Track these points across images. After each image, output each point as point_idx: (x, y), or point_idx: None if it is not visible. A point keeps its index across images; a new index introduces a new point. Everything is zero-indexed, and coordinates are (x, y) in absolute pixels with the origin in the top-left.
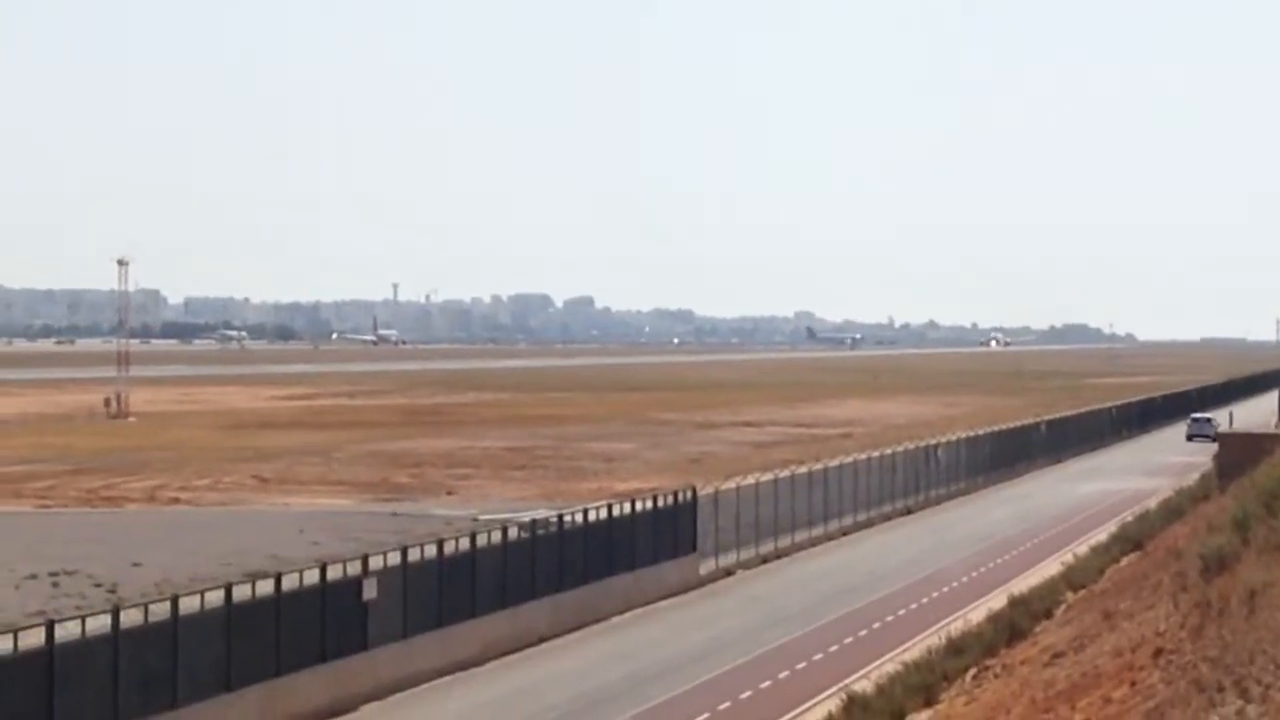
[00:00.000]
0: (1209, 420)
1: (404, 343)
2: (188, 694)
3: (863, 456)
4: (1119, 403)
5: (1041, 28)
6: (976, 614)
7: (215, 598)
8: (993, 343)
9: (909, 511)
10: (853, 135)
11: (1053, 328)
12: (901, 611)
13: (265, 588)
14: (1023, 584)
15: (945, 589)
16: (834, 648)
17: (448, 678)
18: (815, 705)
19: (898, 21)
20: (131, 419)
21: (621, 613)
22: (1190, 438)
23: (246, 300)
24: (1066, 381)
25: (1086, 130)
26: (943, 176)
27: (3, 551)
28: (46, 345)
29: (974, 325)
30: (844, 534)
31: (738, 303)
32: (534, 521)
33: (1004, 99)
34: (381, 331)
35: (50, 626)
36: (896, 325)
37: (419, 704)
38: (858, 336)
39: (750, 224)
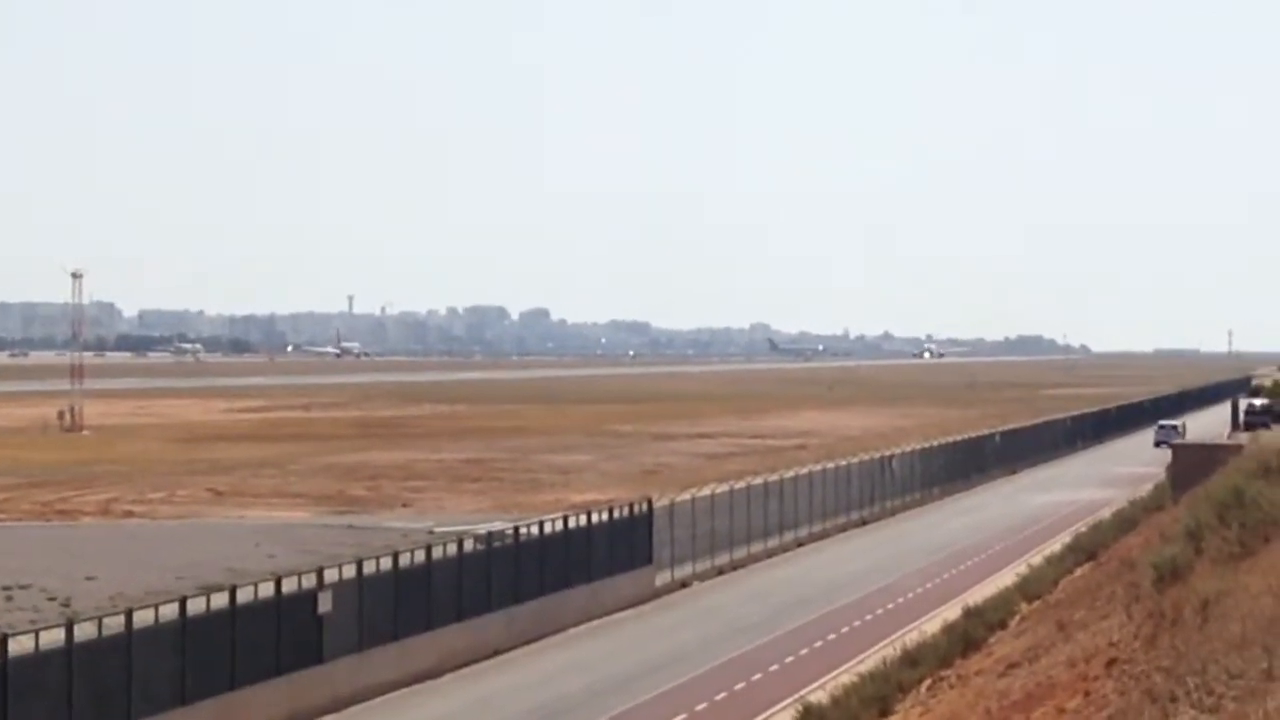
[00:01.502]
0: (1175, 427)
1: (367, 355)
2: (142, 708)
3: (818, 468)
4: (1073, 414)
5: (1001, 44)
6: (932, 625)
7: (170, 611)
8: (926, 354)
9: (864, 523)
10: (810, 147)
11: (1007, 339)
12: (857, 622)
13: (220, 601)
14: (977, 595)
15: (900, 600)
16: (790, 659)
17: (404, 690)
18: (771, 716)
19: (861, 35)
20: (85, 432)
21: (578, 625)
22: (1158, 444)
23: (201, 313)
24: (1021, 393)
25: (1043, 146)
26: (897, 190)
27: None
28: (0, 358)
29: (928, 337)
30: (799, 545)
31: (693, 315)
32: (490, 534)
33: (964, 115)
34: (345, 344)
35: (3, 640)
36: (851, 337)
37: (375, 717)
38: (820, 349)
39: (706, 236)
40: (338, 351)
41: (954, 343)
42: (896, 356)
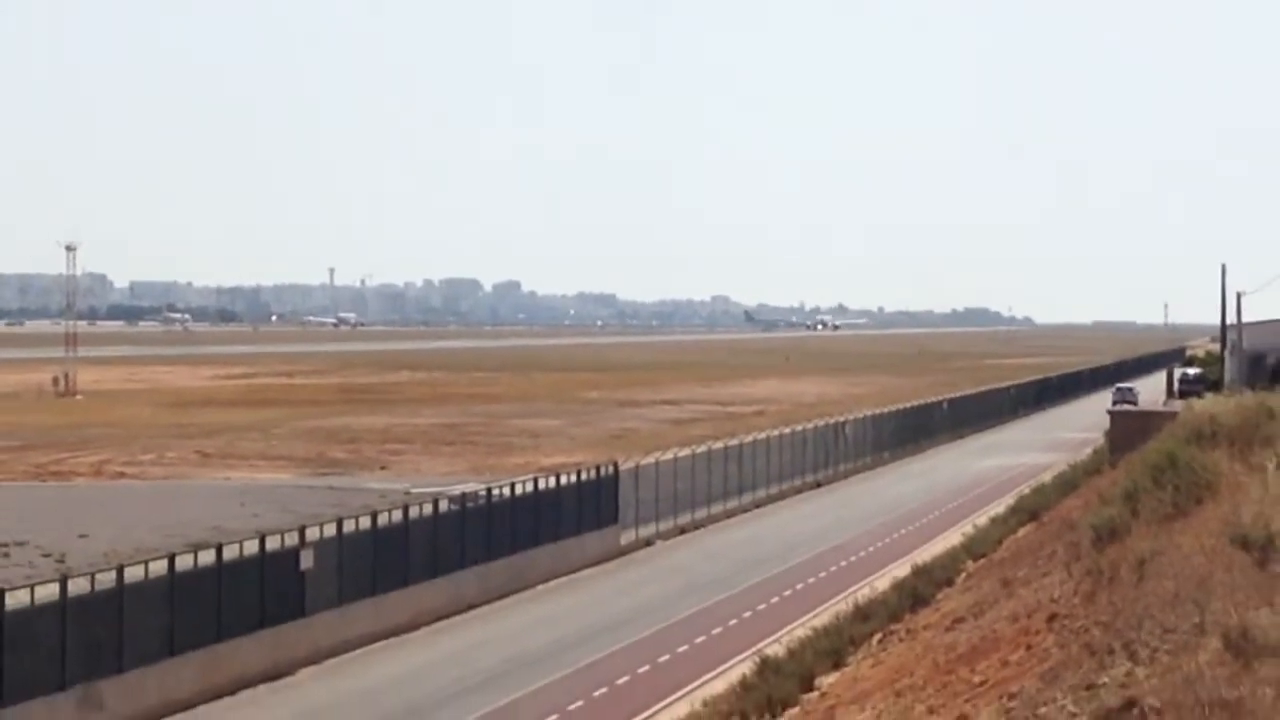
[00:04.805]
0: (1131, 389)
1: (361, 325)
2: (133, 659)
3: (775, 433)
4: (1017, 382)
5: (942, 23)
6: (882, 582)
7: (159, 567)
8: (820, 326)
9: (819, 485)
10: (768, 128)
11: (955, 311)
12: (811, 579)
13: (207, 558)
14: (926, 553)
15: (853, 558)
16: (748, 614)
17: (382, 643)
18: (730, 668)
19: (814, 17)
20: (79, 397)
21: (546, 581)
22: (1115, 404)
23: (190, 284)
24: (967, 362)
25: (986, 128)
26: (851, 166)
27: None
28: None
29: (880, 309)
30: (757, 506)
31: (657, 287)
32: (464, 494)
33: (915, 91)
34: (341, 315)
35: (1, 595)
36: (807, 309)
37: (355, 668)
38: (793, 320)
39: (670, 212)
40: (335, 322)
41: (829, 314)
42: (847, 328)
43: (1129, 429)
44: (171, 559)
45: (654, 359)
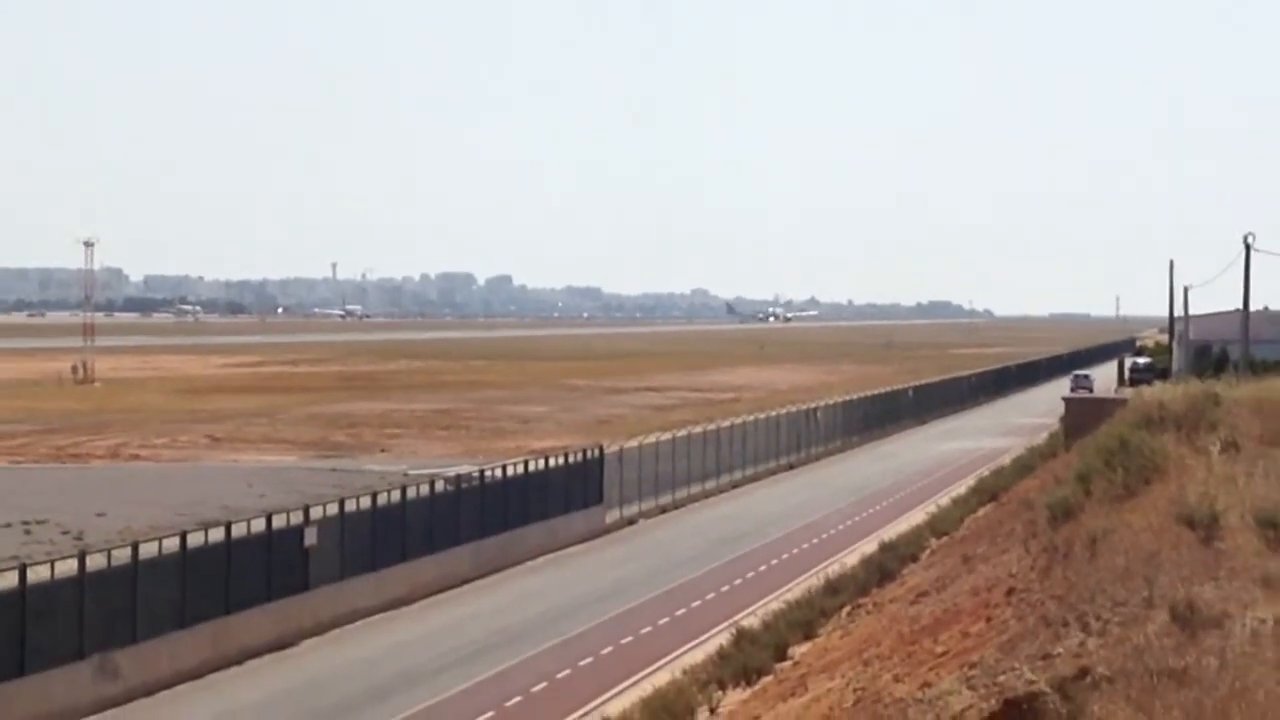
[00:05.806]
0: (1088, 376)
1: (367, 316)
2: (146, 630)
3: (751, 418)
4: (978, 371)
5: (905, 23)
6: (851, 558)
7: (171, 544)
8: (772, 318)
9: (792, 467)
10: (746, 131)
11: (919, 304)
12: (785, 556)
13: (217, 535)
14: (892, 531)
15: (824, 536)
16: (725, 588)
17: (381, 615)
18: (709, 639)
19: (797, 17)
20: (96, 384)
21: (535, 557)
22: (1074, 389)
23: (201, 278)
24: (932, 352)
25: (951, 129)
26: (824, 167)
27: None
28: (19, 318)
29: (850, 302)
30: (735, 487)
31: (640, 281)
32: (458, 476)
33: (882, 93)
34: (348, 307)
35: (23, 570)
36: (783, 301)
37: (355, 639)
38: (771, 312)
39: (652, 208)
40: (342, 314)
41: (782, 306)
42: (822, 320)
43: (1082, 415)
44: (183, 536)
45: (637, 348)
